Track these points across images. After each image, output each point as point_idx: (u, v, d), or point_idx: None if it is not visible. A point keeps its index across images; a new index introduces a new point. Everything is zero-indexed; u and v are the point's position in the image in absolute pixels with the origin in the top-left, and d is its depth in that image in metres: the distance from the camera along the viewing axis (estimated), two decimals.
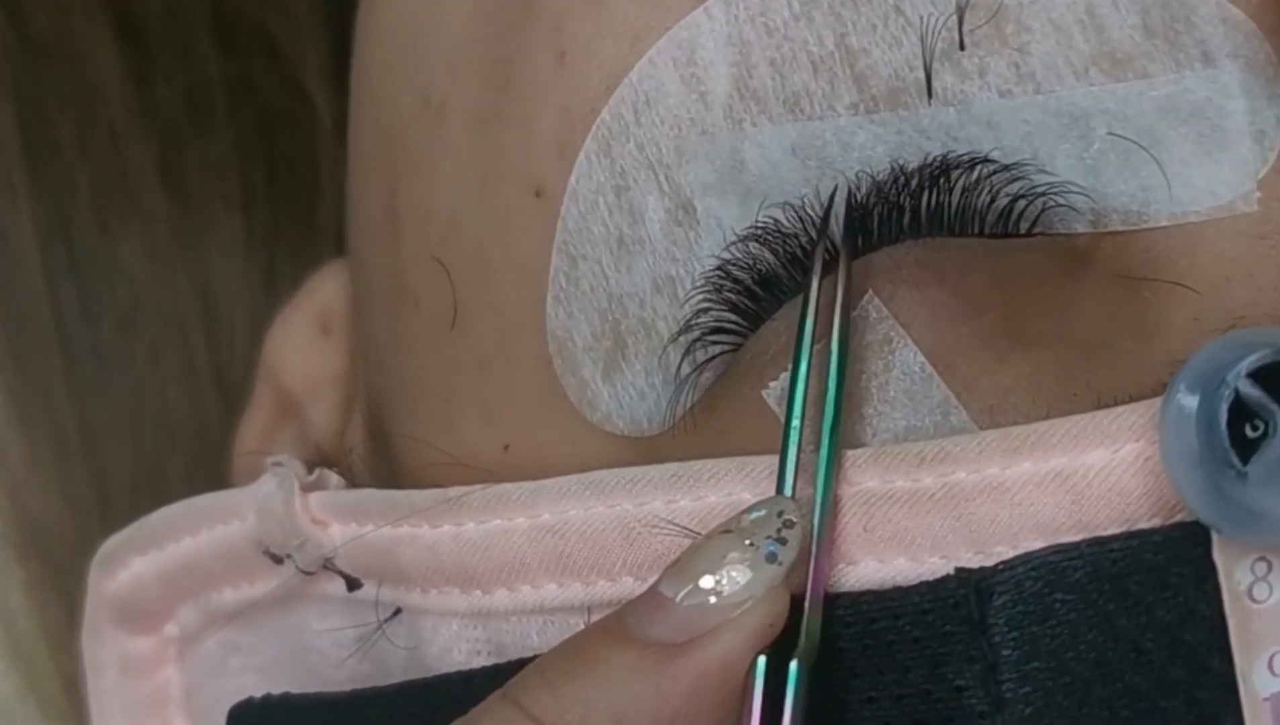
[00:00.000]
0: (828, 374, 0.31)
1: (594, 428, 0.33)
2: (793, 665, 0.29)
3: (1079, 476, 0.30)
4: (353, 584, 0.35)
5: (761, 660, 0.29)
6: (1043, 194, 0.31)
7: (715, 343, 0.32)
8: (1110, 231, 0.31)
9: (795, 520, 0.30)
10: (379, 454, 0.38)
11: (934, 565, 0.30)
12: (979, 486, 0.30)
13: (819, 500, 0.30)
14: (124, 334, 0.50)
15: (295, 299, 0.42)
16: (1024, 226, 0.31)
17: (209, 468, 0.48)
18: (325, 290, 0.42)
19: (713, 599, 0.30)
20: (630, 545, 0.32)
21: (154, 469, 0.49)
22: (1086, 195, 0.31)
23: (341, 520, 0.35)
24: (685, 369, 0.32)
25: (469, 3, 0.35)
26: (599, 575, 0.32)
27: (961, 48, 0.31)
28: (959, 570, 0.30)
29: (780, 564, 0.30)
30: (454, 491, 0.34)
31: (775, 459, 0.31)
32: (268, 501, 0.36)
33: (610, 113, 0.32)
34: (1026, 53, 0.31)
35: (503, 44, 0.34)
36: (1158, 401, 0.30)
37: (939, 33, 0.31)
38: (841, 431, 0.31)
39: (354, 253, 0.39)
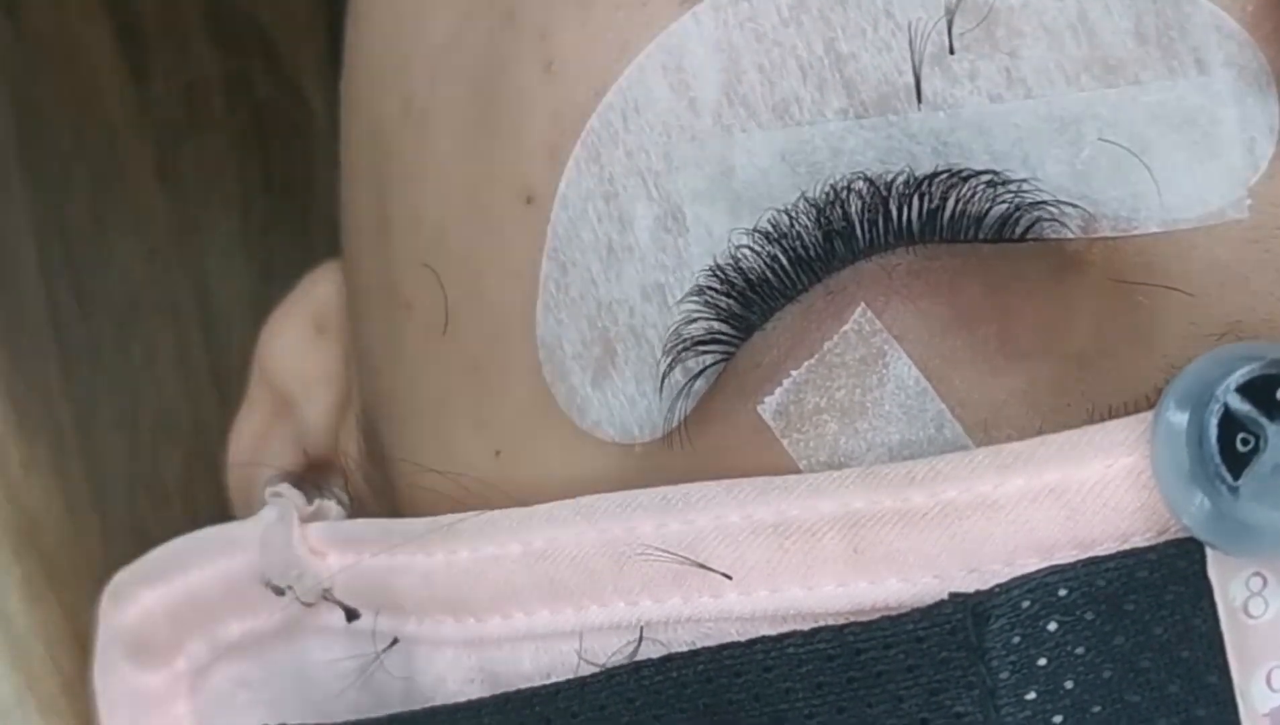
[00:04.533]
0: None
1: (584, 435, 0.33)
2: None
3: (1073, 492, 0.30)
4: (351, 614, 0.35)
5: None
6: (1038, 203, 0.31)
7: (706, 352, 0.32)
8: (1102, 237, 0.31)
9: None
10: (372, 457, 0.38)
11: (928, 585, 0.30)
12: (972, 504, 0.30)
13: None
14: (121, 332, 0.50)
15: (290, 299, 0.42)
16: (1018, 232, 0.31)
17: (206, 466, 0.48)
18: (320, 290, 0.42)
19: None
20: (620, 570, 0.32)
21: (151, 467, 0.49)
22: (1078, 206, 0.31)
23: (339, 550, 0.35)
24: (677, 379, 0.32)
25: (449, 10, 0.34)
26: (590, 600, 0.32)
27: (951, 52, 0.31)
28: (954, 595, 0.30)
29: None
30: (447, 519, 0.34)
31: (764, 480, 0.31)
32: (268, 533, 0.36)
33: (599, 119, 0.32)
34: (1017, 57, 0.31)
35: (485, 53, 0.34)
36: (1149, 414, 0.30)
37: (929, 37, 0.31)
38: None
39: (347, 256, 0.39)
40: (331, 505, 0.37)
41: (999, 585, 0.29)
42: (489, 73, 0.34)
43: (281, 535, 0.35)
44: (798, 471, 0.32)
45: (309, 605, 0.36)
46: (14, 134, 0.49)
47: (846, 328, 0.32)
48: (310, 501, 0.36)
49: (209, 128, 0.50)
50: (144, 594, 0.38)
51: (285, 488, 0.36)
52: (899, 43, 0.31)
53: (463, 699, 0.34)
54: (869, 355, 0.32)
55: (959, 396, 0.31)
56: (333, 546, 0.35)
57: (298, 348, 0.42)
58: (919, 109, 0.31)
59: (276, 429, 0.42)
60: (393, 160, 0.36)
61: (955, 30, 0.31)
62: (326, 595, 0.35)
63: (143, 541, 0.49)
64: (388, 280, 0.36)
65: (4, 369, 0.49)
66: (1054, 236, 0.31)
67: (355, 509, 0.39)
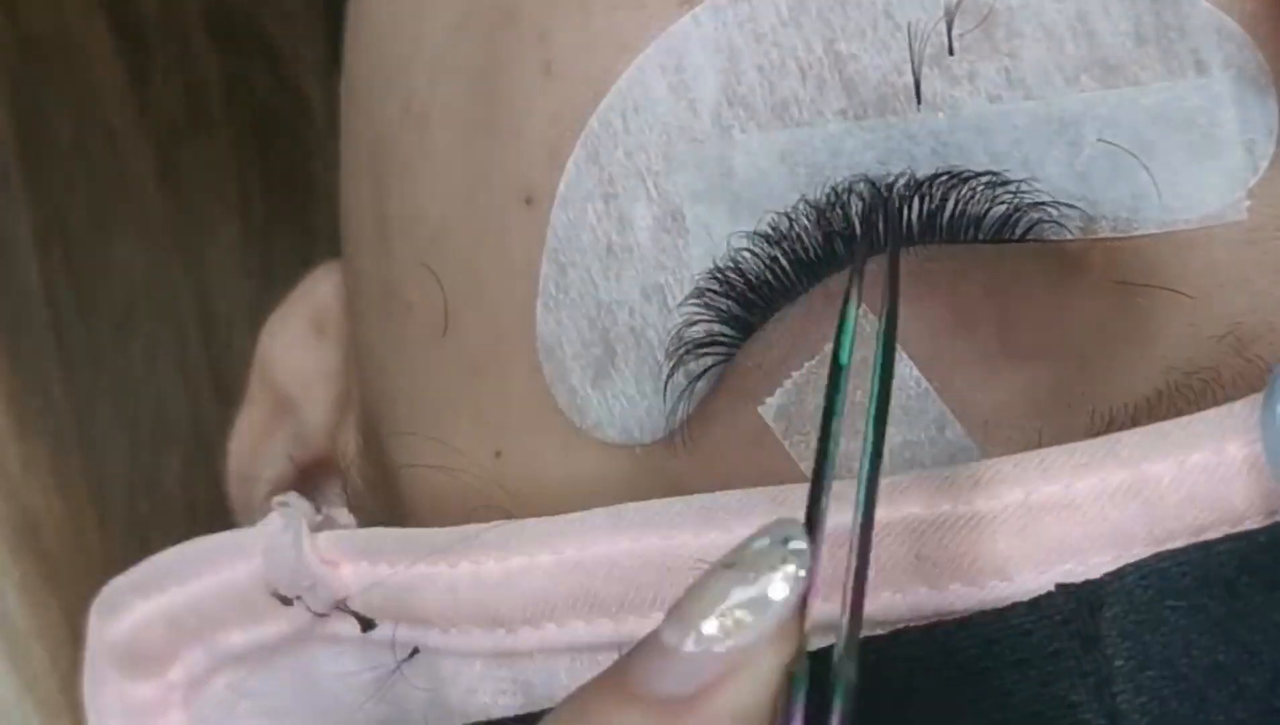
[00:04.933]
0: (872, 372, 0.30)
1: (585, 435, 0.33)
2: (842, 679, 0.28)
3: (1150, 488, 0.29)
4: (367, 624, 0.35)
5: (801, 680, 0.28)
6: (1038, 204, 0.31)
7: (706, 355, 0.32)
8: (1101, 238, 0.31)
9: (803, 546, 0.28)
10: (372, 458, 0.38)
11: (995, 588, 0.30)
12: (1045, 504, 0.30)
13: (861, 501, 0.29)
14: (121, 333, 0.50)
15: (290, 299, 0.42)
16: (1018, 233, 0.31)
17: (206, 466, 0.48)
18: (320, 291, 0.42)
19: (717, 646, 0.27)
20: (661, 581, 0.31)
21: (151, 468, 0.50)
22: (1077, 207, 0.31)
23: (353, 560, 0.35)
24: (678, 381, 0.32)
25: (449, 11, 0.34)
26: (629, 612, 0.32)
27: (951, 53, 0.31)
28: (1060, 586, 0.29)
29: (789, 598, 0.28)
30: (472, 529, 0.33)
31: (806, 488, 0.30)
32: (275, 542, 0.35)
33: (598, 120, 0.32)
34: (1017, 58, 0.31)
35: (485, 53, 0.34)
36: (1224, 409, 0.29)
37: (928, 38, 0.31)
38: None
39: (347, 257, 0.39)
40: (341, 513, 0.36)
41: (1109, 574, 0.29)
42: (488, 73, 0.34)
43: (290, 545, 0.35)
44: (799, 472, 0.32)
45: (321, 615, 0.35)
46: (14, 135, 0.49)
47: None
48: (318, 510, 0.36)
49: (209, 128, 0.50)
50: (138, 604, 0.38)
51: (293, 497, 0.36)
52: (898, 43, 0.31)
53: (499, 711, 0.33)
54: (870, 355, 0.31)
55: (960, 397, 0.31)
56: (346, 556, 0.35)
57: (297, 348, 0.42)
58: (918, 110, 0.31)
59: (276, 429, 0.42)
60: (392, 160, 0.36)
61: (955, 31, 0.31)
62: (341, 605, 0.35)
63: (142, 541, 0.49)
64: (387, 280, 0.36)
65: (4, 369, 0.49)
66: (1054, 238, 0.31)
67: (353, 509, 0.38)
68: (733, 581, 0.28)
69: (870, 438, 0.29)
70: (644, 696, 0.28)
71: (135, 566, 0.38)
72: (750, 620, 0.27)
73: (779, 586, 0.28)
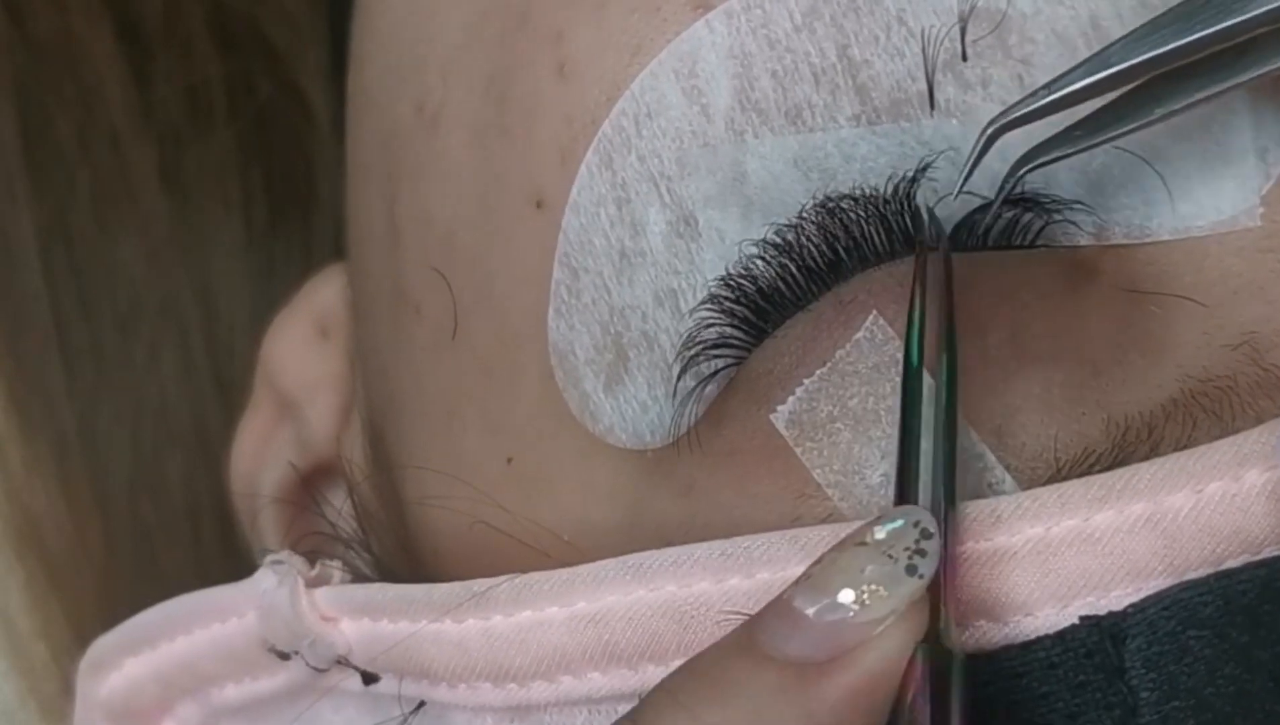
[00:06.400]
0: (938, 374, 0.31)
1: (597, 440, 0.33)
2: (957, 654, 0.29)
3: (1168, 519, 0.29)
4: (369, 679, 0.35)
5: (920, 654, 0.29)
6: (1050, 210, 0.31)
7: (718, 357, 0.32)
8: (1114, 245, 0.31)
9: (933, 531, 0.29)
10: (378, 462, 0.38)
11: (1020, 624, 0.30)
12: (1065, 538, 0.30)
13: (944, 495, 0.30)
14: (123, 334, 0.50)
15: (293, 302, 0.42)
16: (1030, 239, 0.31)
17: (208, 467, 0.48)
18: (324, 293, 0.42)
19: (853, 615, 0.29)
20: (684, 629, 0.31)
21: (153, 469, 0.49)
22: (1091, 210, 0.31)
23: (353, 616, 0.35)
24: (689, 383, 0.32)
25: (462, 12, 0.34)
26: (649, 661, 0.32)
27: (964, 58, 0.31)
28: (1084, 618, 0.29)
29: (921, 577, 0.29)
30: (477, 584, 0.33)
31: (830, 529, 0.31)
32: (270, 599, 0.35)
33: (611, 124, 0.32)
34: (1030, 64, 0.31)
35: (499, 54, 0.34)
36: (1240, 437, 0.30)
37: (941, 43, 0.31)
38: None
39: (353, 260, 0.39)
40: (335, 569, 0.36)
41: (1132, 605, 0.29)
42: (501, 74, 0.34)
43: (287, 601, 0.35)
44: (809, 478, 0.32)
45: (320, 670, 0.35)
46: (18, 137, 0.49)
47: (859, 335, 0.32)
48: (312, 565, 0.36)
49: (211, 130, 0.50)
50: (127, 662, 0.38)
51: (286, 554, 0.36)
52: (912, 49, 0.31)
53: None
54: (882, 363, 0.31)
55: (972, 403, 0.31)
56: (345, 612, 0.35)
57: (301, 351, 0.42)
58: (932, 115, 0.31)
59: (279, 432, 0.42)
60: (403, 162, 0.35)
61: (968, 37, 0.31)
62: (342, 660, 0.35)
63: (145, 543, 0.49)
64: (396, 283, 0.36)
65: (7, 370, 0.49)
66: (1066, 244, 0.31)
67: (361, 519, 0.38)
68: (868, 558, 0.29)
69: (944, 421, 0.31)
70: (776, 658, 0.29)
71: (120, 625, 0.38)
72: (886, 594, 0.29)
73: (916, 565, 0.29)
